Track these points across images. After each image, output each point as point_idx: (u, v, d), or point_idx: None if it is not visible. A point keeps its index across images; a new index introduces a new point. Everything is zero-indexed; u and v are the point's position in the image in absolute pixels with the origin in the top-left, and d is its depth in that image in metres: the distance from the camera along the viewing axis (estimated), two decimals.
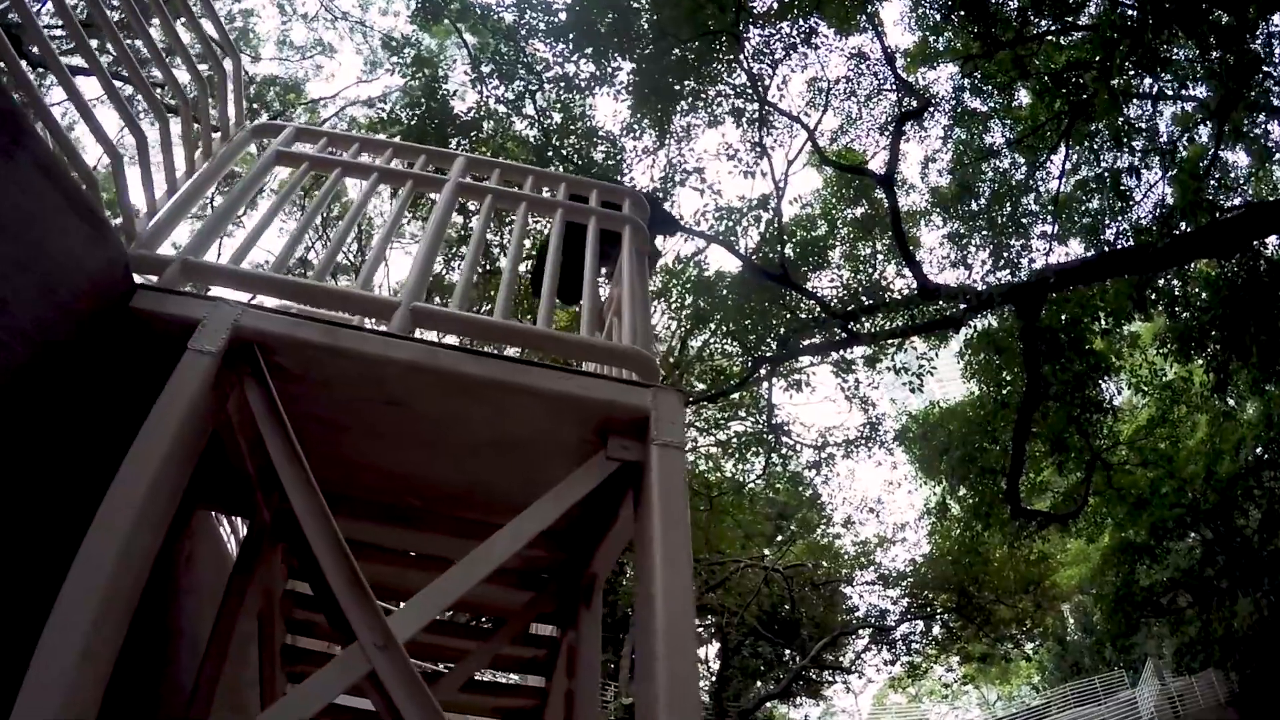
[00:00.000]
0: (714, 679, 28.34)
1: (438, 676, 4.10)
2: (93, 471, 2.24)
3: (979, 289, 14.18)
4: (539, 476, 2.67)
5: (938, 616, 27.48)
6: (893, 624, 28.02)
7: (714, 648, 28.81)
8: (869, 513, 28.36)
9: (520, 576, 3.86)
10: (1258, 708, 29.60)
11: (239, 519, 4.73)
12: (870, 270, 16.23)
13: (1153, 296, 14.39)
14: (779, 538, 27.57)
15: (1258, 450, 18.35)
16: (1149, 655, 30.43)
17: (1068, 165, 14.64)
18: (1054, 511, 18.02)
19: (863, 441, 20.18)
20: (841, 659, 29.63)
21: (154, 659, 3.39)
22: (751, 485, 22.74)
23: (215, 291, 2.98)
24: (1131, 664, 32.57)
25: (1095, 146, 14.37)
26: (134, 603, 2.20)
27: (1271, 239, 14.21)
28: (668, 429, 2.66)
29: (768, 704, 30.61)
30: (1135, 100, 14.08)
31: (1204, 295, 14.48)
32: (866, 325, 15.82)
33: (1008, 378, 15.30)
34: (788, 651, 27.26)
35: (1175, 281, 15.05)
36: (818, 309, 15.40)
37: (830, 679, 30.86)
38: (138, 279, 2.74)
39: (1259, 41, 12.69)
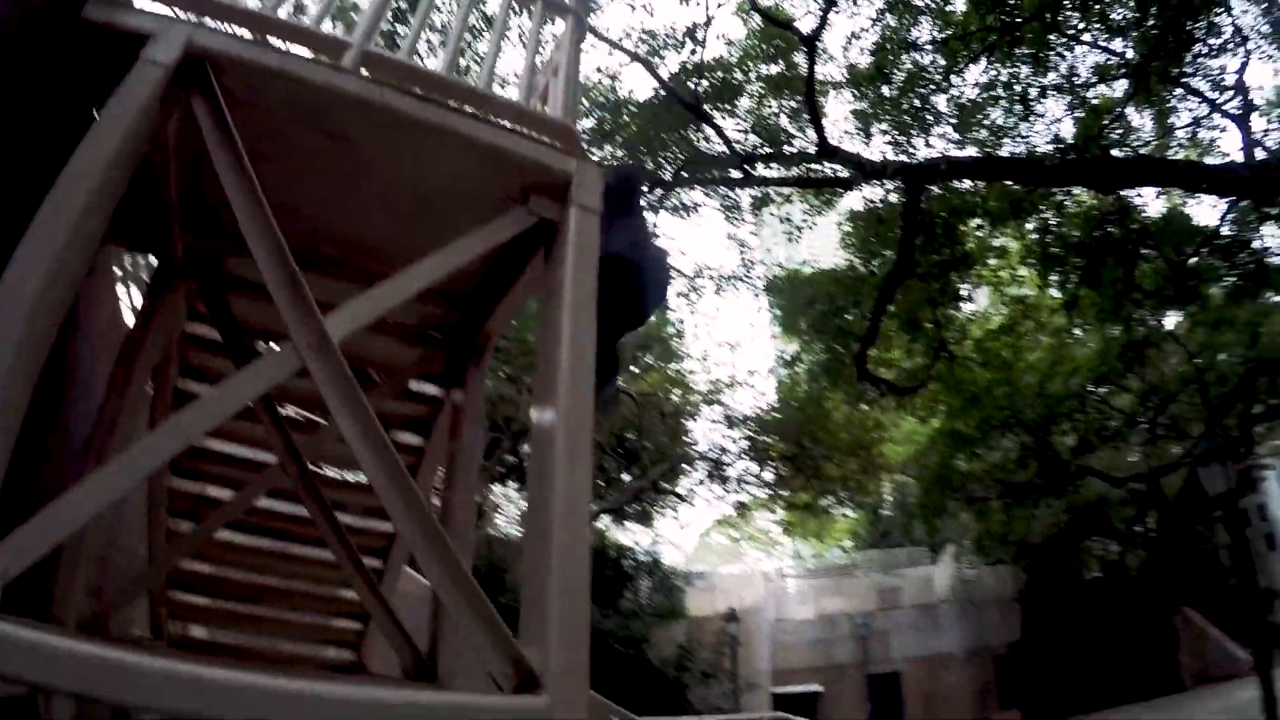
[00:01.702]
0: None
1: (315, 426, 4.17)
2: (36, 177, 2.21)
3: (875, 160, 14.74)
4: (457, 237, 2.77)
5: (772, 462, 28.81)
6: (729, 462, 29.23)
7: None
8: (727, 350, 28.75)
9: (413, 333, 3.96)
10: (1039, 605, 32.69)
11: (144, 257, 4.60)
12: (774, 123, 16.48)
13: (1029, 209, 15.06)
14: (634, 368, 28.11)
15: (1088, 385, 19.56)
16: (951, 541, 32.86)
17: (984, 79, 15.04)
18: (896, 384, 19.06)
19: (735, 280, 20.72)
20: (677, 488, 31.06)
21: (48, 400, 3.15)
22: None
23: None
24: (935, 545, 35.11)
25: (1015, 68, 14.70)
26: (60, 314, 2.24)
27: (1150, 196, 15.19)
28: (587, 195, 2.84)
29: (601, 522, 31.94)
30: (1064, 38, 14.42)
31: (1076, 233, 15.29)
32: (762, 171, 16.32)
33: (884, 253, 15.96)
34: (627, 477, 28.24)
35: (1052, 214, 15.83)
36: (720, 145, 15.73)
37: (662, 509, 32.23)
38: None
39: (1196, 24, 13.23)
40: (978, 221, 16.13)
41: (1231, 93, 14.19)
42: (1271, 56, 14.44)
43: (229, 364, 3.58)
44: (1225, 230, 15.96)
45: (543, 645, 2.21)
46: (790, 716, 13.80)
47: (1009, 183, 14.77)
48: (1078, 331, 21.15)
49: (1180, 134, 15.67)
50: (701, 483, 30.62)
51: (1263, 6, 13.93)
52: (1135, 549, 25.97)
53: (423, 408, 4.24)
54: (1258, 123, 14.47)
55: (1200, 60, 13.87)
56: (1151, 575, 32.16)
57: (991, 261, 17.38)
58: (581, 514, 2.39)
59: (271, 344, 3.65)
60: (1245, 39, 13.91)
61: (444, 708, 2.20)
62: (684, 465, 29.53)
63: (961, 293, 16.87)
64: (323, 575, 4.85)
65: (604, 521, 32.73)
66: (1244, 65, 14.06)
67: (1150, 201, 15.70)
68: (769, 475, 29.36)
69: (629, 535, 33.70)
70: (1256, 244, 16.16)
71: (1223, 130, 15.34)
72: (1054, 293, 17.27)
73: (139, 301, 4.22)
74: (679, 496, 31.16)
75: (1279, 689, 9.44)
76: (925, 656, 29.76)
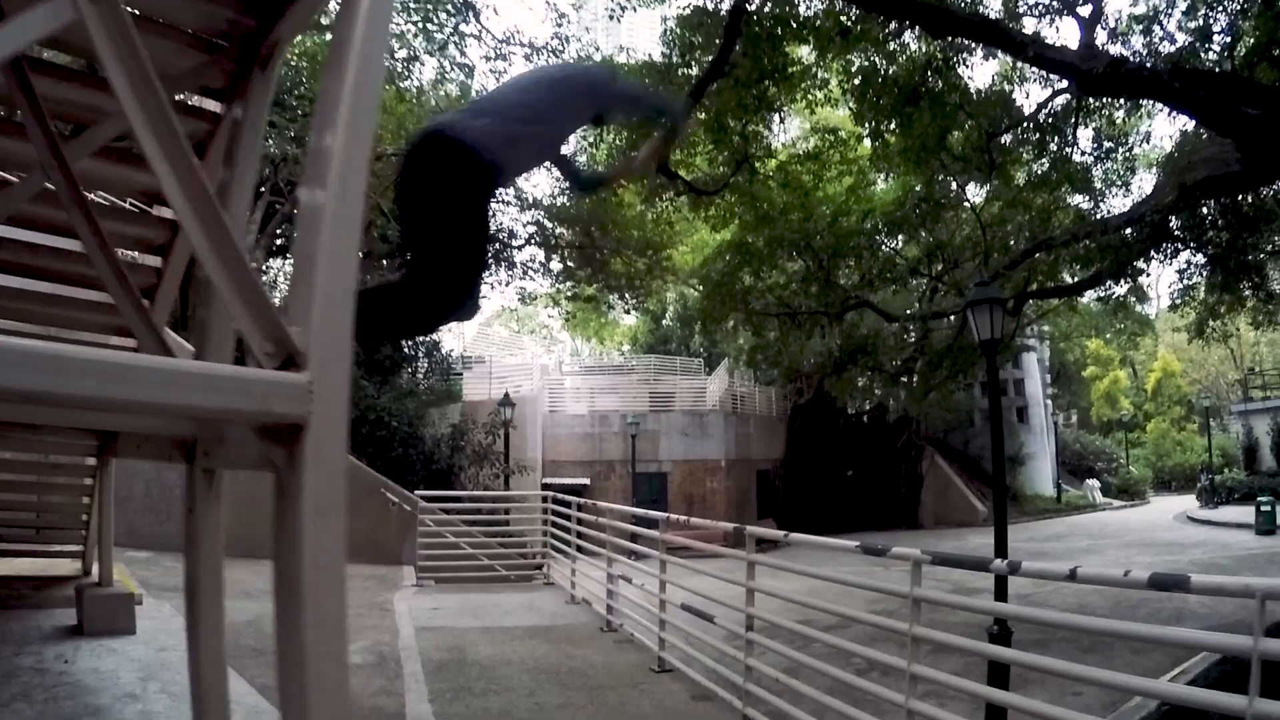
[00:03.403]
0: None
1: (78, 132, 3.53)
2: None
3: None
4: None
5: (559, 250, 29.05)
6: (517, 246, 29.38)
7: None
8: None
9: (195, 38, 3.46)
10: (803, 428, 35.05)
11: None
12: None
13: (856, 40, 15.28)
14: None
15: (881, 226, 20.41)
16: (727, 356, 34.43)
17: None
18: (694, 184, 19.26)
19: (547, 53, 20.26)
20: None
21: None
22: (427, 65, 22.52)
23: None
24: (711, 358, 36.67)
25: None
26: None
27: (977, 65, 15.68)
28: None
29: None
30: None
31: (898, 78, 15.71)
32: None
33: (704, 56, 15.90)
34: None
35: (879, 55, 16.18)
36: None
37: None
38: None
39: None
40: (807, 49, 16.33)
41: None
42: None
43: None
44: (1042, 119, 17.02)
45: (306, 327, 2.27)
46: (556, 494, 14.42)
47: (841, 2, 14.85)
48: (881, 182, 21.99)
49: (1027, 16, 16.34)
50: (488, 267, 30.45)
51: None
52: (898, 390, 27.83)
53: (201, 125, 3.82)
54: (1100, 35, 15.12)
55: None
56: (909, 419, 35.10)
57: (809, 88, 17.52)
58: (352, 232, 2.37)
59: None
60: None
61: (213, 375, 2.22)
62: None
63: (773, 105, 16.97)
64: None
65: None
66: None
67: (978, 70, 16.36)
68: (556, 265, 29.54)
69: None
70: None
71: (1062, 16, 16.03)
72: (866, 140, 17.79)
73: None
74: None
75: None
76: (691, 460, 31.57)
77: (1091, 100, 16.60)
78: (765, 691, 6.24)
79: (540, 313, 39.99)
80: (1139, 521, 34.43)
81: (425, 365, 30.59)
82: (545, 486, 24.90)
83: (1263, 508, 26.49)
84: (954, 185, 19.44)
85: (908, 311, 22.41)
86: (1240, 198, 16.30)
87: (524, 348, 42.81)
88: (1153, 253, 18.05)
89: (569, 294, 31.75)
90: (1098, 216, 18.57)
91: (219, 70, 3.55)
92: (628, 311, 36.34)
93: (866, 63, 16.50)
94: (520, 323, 43.66)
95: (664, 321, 41.41)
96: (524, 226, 28.88)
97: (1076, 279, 19.53)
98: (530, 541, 16.48)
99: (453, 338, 41.01)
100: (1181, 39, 14.94)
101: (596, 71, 3.63)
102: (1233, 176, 13.96)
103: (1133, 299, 23.91)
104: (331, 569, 2.22)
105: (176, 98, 4.03)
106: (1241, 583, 3.06)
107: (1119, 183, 19.83)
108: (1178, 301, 21.25)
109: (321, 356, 2.26)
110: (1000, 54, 16.75)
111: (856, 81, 16.41)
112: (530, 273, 30.20)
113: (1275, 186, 15.88)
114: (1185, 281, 20.18)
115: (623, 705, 6.98)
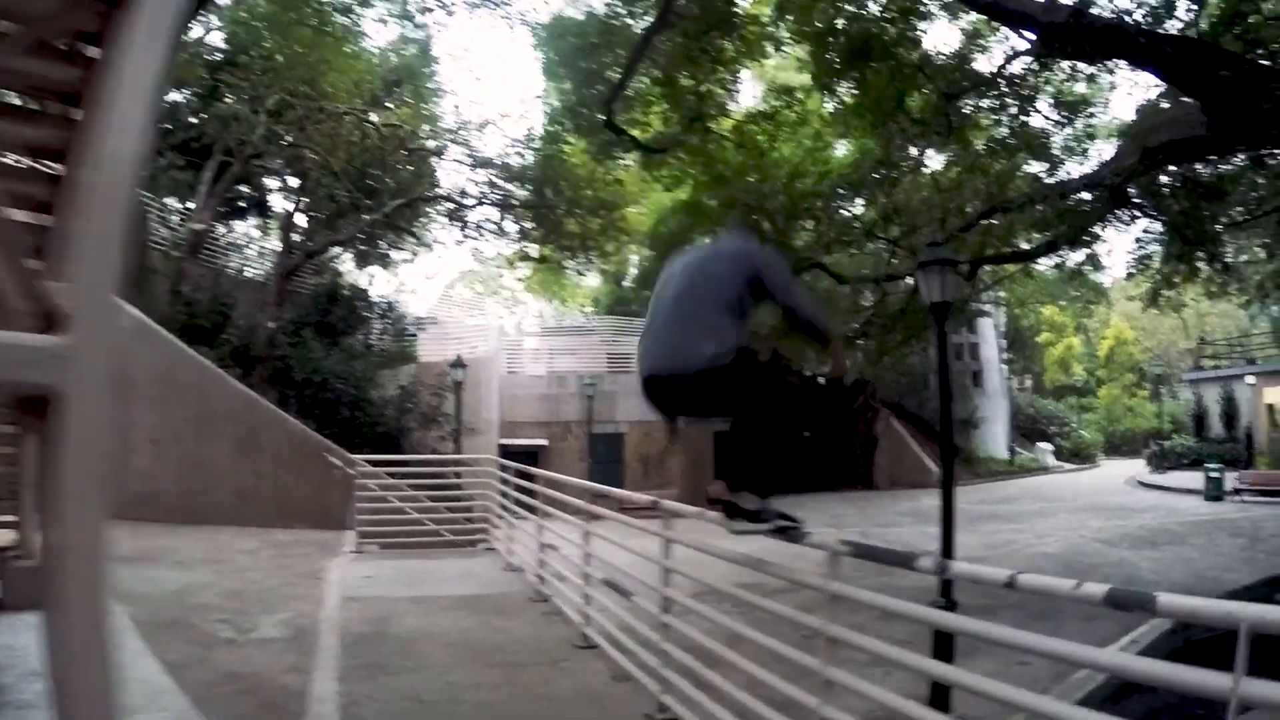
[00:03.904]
0: (287, 214, 28.13)
1: None
2: None
3: None
4: None
5: (515, 209, 28.68)
6: (470, 205, 28.91)
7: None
8: (476, 84, 26.83)
9: None
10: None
11: None
12: None
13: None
14: (388, 102, 26.66)
15: (837, 189, 20.13)
16: None
17: None
18: (643, 141, 18.84)
19: (492, 3, 19.77)
20: (416, 228, 30.62)
21: None
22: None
23: None
24: None
25: None
26: None
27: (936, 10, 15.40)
28: None
29: (344, 265, 31.00)
30: None
31: (849, 29, 15.34)
32: None
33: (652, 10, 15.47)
34: (366, 216, 27.15)
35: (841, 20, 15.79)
36: None
37: (400, 250, 31.56)
38: None
39: None
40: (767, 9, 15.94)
41: None
42: None
43: None
44: (1002, 82, 16.71)
45: (73, 289, 2.04)
46: (501, 460, 14.07)
47: None
48: (840, 147, 21.66)
49: None
50: (442, 227, 30.37)
51: None
52: (854, 353, 27.72)
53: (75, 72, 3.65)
54: None
55: None
56: (865, 382, 35.07)
57: (758, 37, 17.04)
58: (126, 173, 2.15)
59: None
60: None
61: None
62: (424, 205, 28.92)
63: (724, 60, 16.48)
64: None
65: (347, 265, 31.81)
66: None
67: (937, 34, 15.91)
68: (511, 226, 29.18)
69: (368, 278, 33.06)
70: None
71: None
72: (827, 104, 17.43)
73: None
74: (415, 236, 30.73)
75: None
76: (648, 421, 31.30)
77: (1051, 65, 16.32)
78: (681, 678, 5.85)
79: (502, 274, 39.64)
80: (1089, 485, 34.91)
81: (380, 327, 30.05)
82: (502, 447, 24.61)
83: (1211, 474, 26.91)
84: (912, 150, 19.12)
85: (862, 273, 22.17)
86: (1200, 166, 16.11)
87: (486, 309, 42.29)
88: (1110, 218, 17.87)
89: (522, 255, 31.30)
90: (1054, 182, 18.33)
91: (89, 12, 3.24)
92: (581, 273, 35.96)
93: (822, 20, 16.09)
94: (484, 284, 43.29)
95: (624, 283, 41.12)
96: (476, 186, 28.37)
97: (1033, 245, 19.35)
98: (476, 506, 16.13)
99: (416, 299, 40.54)
100: (1145, 10, 14.60)
101: (772, 261, 4.28)
102: (1198, 140, 13.66)
103: (1088, 267, 23.89)
104: (88, 554, 2.03)
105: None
106: (1223, 609, 2.58)
107: (1078, 150, 19.61)
108: (1133, 271, 21.18)
109: (85, 317, 2.04)
110: (960, 10, 16.41)
111: (809, 30, 16.03)
112: (484, 233, 29.68)
113: (1236, 156, 15.66)
114: (1141, 249, 20.09)
115: (539, 685, 6.68)
